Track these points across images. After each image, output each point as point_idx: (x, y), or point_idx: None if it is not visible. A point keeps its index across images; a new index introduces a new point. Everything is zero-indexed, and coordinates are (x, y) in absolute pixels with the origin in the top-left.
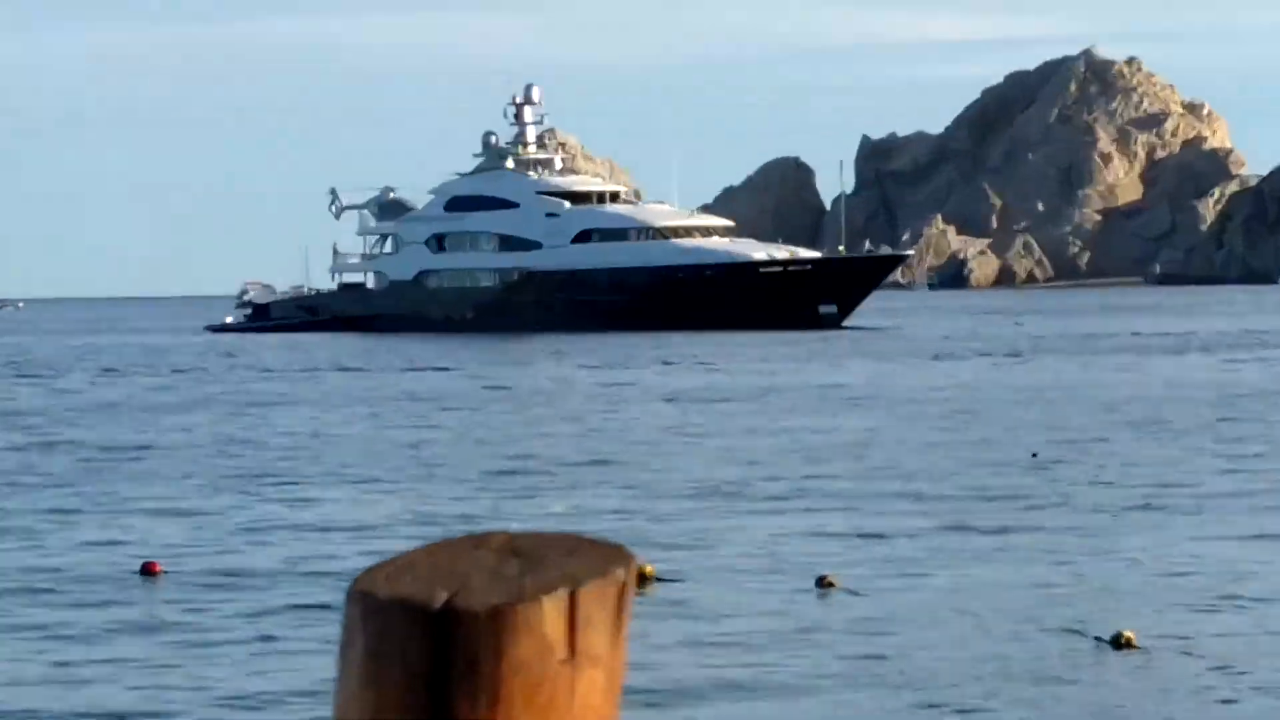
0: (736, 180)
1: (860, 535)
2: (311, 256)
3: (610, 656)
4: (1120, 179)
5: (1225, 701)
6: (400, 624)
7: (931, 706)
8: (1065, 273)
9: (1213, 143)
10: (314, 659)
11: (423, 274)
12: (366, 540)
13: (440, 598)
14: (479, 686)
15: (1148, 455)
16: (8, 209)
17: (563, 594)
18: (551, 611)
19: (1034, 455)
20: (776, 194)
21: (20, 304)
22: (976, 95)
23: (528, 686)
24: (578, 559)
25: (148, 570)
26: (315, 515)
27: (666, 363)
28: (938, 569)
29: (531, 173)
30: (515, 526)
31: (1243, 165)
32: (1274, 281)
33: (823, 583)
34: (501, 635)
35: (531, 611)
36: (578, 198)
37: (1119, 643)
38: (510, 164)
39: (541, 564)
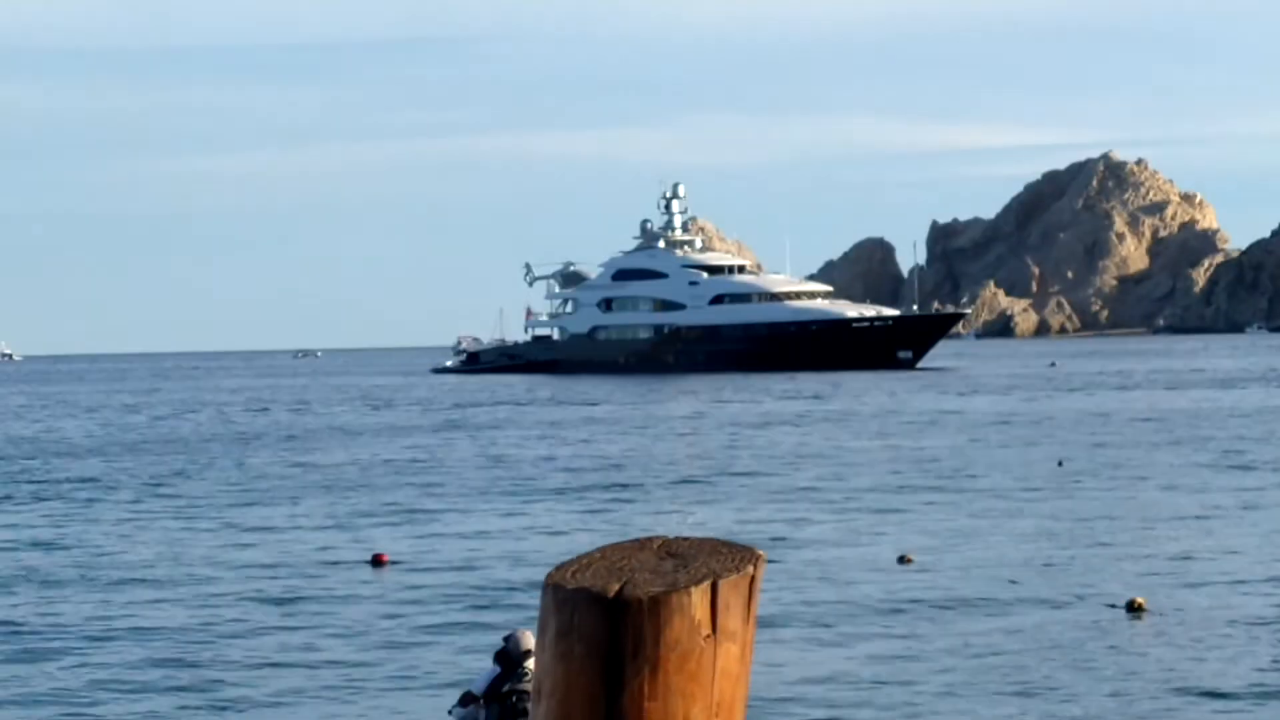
0: (835, 255)
1: (933, 524)
2: (507, 315)
3: (743, 633)
4: (1131, 253)
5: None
6: (583, 609)
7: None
8: (1089, 325)
9: (1203, 224)
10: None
11: (595, 329)
12: (561, 538)
13: (613, 588)
14: (643, 657)
15: (1156, 461)
16: (305, 276)
17: (707, 585)
18: (699, 599)
19: (1060, 464)
20: (865, 265)
21: (319, 353)
22: (1020, 189)
23: (680, 657)
24: (718, 558)
25: (377, 561)
26: (526, 521)
27: (787, 397)
28: (992, 545)
29: (678, 250)
30: (673, 531)
31: (1227, 241)
32: (1243, 331)
33: (903, 560)
34: (660, 617)
35: (683, 599)
36: (713, 270)
37: (1132, 607)
38: (662, 244)
39: (690, 562)
